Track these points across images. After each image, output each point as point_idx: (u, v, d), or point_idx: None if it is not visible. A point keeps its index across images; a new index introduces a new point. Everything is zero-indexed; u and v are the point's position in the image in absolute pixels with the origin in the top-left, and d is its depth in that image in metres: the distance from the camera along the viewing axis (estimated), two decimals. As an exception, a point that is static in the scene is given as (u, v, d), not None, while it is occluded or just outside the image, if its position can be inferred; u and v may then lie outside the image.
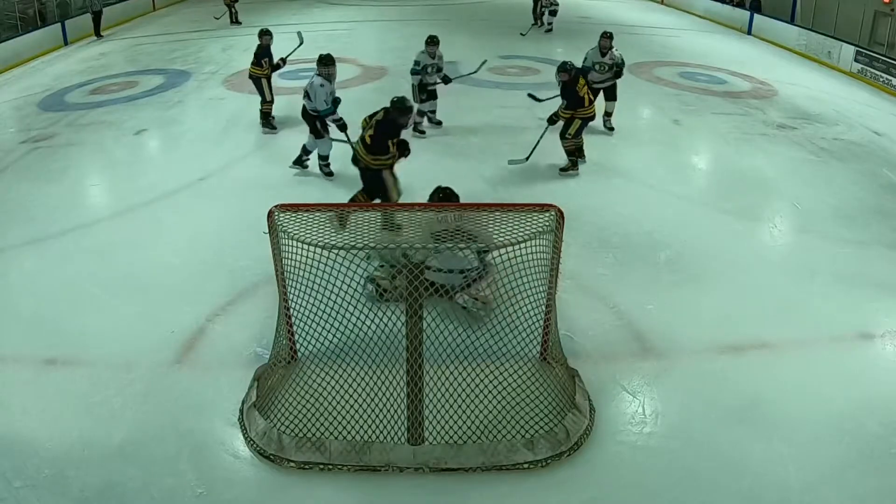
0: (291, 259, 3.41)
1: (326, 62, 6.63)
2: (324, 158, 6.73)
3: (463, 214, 3.67)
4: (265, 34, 8.23)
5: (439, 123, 8.18)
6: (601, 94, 7.92)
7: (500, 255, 3.33)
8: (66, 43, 14.39)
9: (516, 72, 11.21)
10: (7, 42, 12.81)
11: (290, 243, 3.37)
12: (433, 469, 3.25)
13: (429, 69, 7.68)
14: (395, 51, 12.75)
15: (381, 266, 4.30)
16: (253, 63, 8.19)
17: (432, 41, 7.69)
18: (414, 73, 7.68)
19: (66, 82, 10.95)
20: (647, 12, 19.34)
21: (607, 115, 8.07)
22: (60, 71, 11.98)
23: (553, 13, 14.84)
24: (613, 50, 7.84)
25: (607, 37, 7.86)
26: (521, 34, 14.34)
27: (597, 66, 7.85)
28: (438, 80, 7.82)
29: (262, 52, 8.13)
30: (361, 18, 16.75)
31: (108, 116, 8.98)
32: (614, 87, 8.00)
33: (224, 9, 16.44)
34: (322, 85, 6.45)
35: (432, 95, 7.94)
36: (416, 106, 7.28)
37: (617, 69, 7.85)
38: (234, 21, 16.24)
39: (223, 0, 16.45)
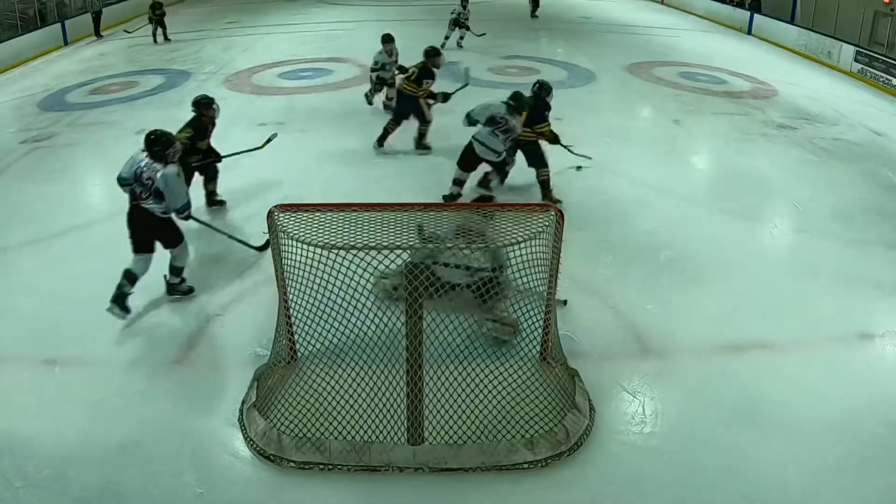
0: (291, 259, 3.41)
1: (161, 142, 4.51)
2: (178, 272, 4.75)
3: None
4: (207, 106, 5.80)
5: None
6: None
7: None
8: (66, 43, 14.39)
9: (516, 72, 11.22)
10: (7, 42, 12.82)
11: (290, 243, 3.36)
12: (433, 469, 3.25)
13: (387, 66, 8.28)
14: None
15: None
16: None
17: (387, 39, 8.24)
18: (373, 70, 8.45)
19: (66, 82, 10.96)
20: (647, 12, 19.35)
21: None
22: (60, 71, 11.98)
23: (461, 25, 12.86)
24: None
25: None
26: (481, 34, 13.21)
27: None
28: (396, 73, 8.17)
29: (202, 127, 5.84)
30: (361, 18, 16.75)
31: (108, 116, 8.98)
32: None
33: (141, 22, 14.47)
34: (179, 174, 4.53)
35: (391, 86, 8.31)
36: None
37: None
38: (163, 39, 13.94)
39: (147, 15, 14.14)
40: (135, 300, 4.62)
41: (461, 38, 12.98)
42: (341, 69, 11.32)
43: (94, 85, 10.70)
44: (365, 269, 3.16)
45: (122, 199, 6.31)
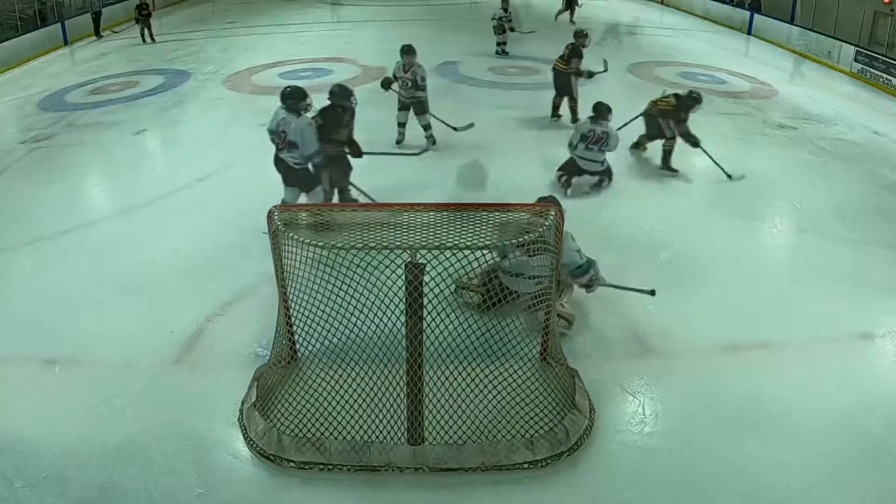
0: (291, 259, 3.41)
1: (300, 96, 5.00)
2: None
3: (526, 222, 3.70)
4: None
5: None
6: None
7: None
8: (66, 43, 14.39)
9: (516, 72, 11.22)
10: (7, 42, 12.81)
11: (290, 243, 3.36)
12: (433, 469, 3.25)
13: (401, 82, 7.26)
14: (394, 51, 12.69)
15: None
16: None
17: (405, 51, 7.23)
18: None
19: (66, 82, 10.96)
20: (648, 12, 19.36)
21: None
22: (60, 71, 11.98)
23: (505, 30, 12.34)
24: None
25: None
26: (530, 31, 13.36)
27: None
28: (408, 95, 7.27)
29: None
30: (360, 18, 16.75)
31: (108, 116, 8.98)
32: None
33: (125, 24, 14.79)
34: (310, 124, 5.06)
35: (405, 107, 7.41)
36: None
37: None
38: (150, 40, 14.08)
39: (134, 16, 14.40)
40: (135, 301, 4.64)
41: (504, 43, 12.40)
42: (341, 69, 11.32)
43: (94, 85, 10.70)
44: (365, 269, 3.16)
45: (122, 199, 6.39)
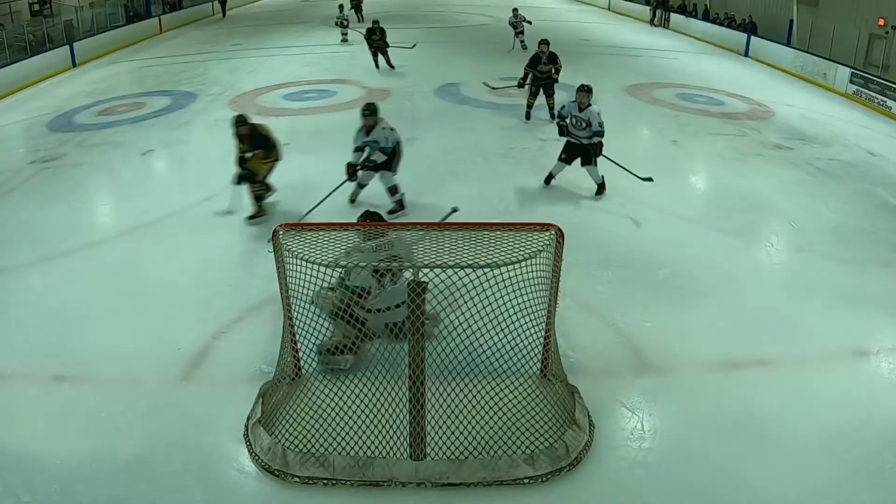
0: (295, 277, 3.49)
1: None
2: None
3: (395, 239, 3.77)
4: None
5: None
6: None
7: (502, 273, 3.41)
8: (74, 65, 14.65)
9: (518, 93, 11.38)
10: (16, 64, 13.05)
11: (294, 262, 3.44)
12: (435, 484, 3.30)
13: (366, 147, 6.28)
14: (397, 73, 12.97)
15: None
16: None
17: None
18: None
19: (74, 103, 11.15)
20: (646, 35, 19.66)
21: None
22: (69, 92, 12.19)
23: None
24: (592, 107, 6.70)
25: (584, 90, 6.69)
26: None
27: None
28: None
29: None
30: (363, 41, 17.00)
31: (116, 137, 9.13)
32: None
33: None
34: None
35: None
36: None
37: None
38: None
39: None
40: (142, 318, 4.71)
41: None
42: (345, 90, 11.51)
43: (102, 106, 10.88)
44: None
45: (129, 219, 6.50)
